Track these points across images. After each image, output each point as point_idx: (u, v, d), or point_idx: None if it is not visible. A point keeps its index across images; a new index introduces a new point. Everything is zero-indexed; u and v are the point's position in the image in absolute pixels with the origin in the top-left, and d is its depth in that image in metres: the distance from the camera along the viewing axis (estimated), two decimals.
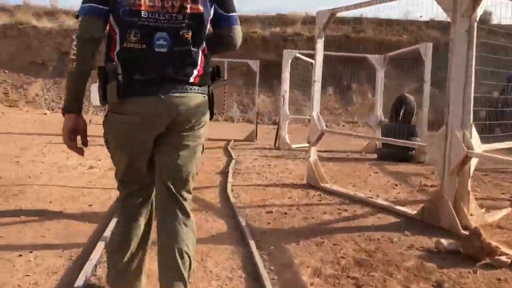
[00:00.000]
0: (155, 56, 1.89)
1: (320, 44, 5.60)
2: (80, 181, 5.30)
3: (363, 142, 12.43)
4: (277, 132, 10.30)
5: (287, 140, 9.84)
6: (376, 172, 6.69)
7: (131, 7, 1.86)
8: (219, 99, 21.36)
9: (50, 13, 25.38)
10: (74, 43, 1.87)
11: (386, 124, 8.69)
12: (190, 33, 1.94)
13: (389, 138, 7.23)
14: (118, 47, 1.90)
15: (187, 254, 2.01)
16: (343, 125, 20.75)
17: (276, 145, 10.10)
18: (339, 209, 4.44)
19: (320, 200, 4.81)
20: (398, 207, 4.42)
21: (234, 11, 2.07)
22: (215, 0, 2.01)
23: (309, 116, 11.45)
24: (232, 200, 4.56)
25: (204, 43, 2.01)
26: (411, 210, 4.28)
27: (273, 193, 5.05)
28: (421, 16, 24.85)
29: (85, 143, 2.03)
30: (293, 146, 9.99)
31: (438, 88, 22.52)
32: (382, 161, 8.23)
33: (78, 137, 2.00)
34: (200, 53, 1.99)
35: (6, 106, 19.25)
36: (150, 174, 2.07)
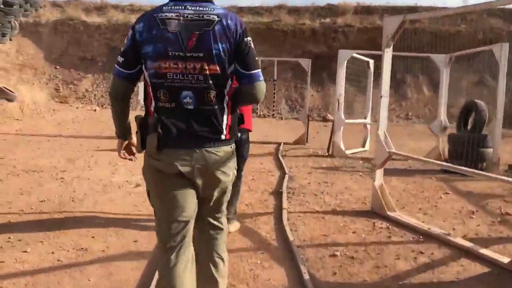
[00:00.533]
0: (184, 112, 2.10)
1: (388, 55, 4.97)
2: (125, 206, 4.95)
3: (421, 146, 11.63)
4: (330, 138, 9.70)
5: (342, 147, 9.23)
6: (447, 193, 6.00)
7: (157, 70, 2.08)
8: (269, 96, 20.87)
9: (99, 7, 25.58)
10: (110, 97, 2.25)
11: (453, 134, 7.90)
12: (214, 92, 2.10)
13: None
14: (153, 104, 2.13)
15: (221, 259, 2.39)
16: (397, 122, 19.78)
17: (330, 152, 9.52)
18: (413, 251, 3.86)
19: (390, 236, 4.24)
20: (484, 251, 3.79)
21: (255, 68, 2.17)
22: (236, 58, 2.14)
23: (365, 119, 10.83)
24: (290, 237, 4.06)
25: (227, 99, 2.18)
26: (501, 257, 3.65)
27: (335, 225, 4.52)
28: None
29: (133, 157, 2.45)
30: (348, 152, 9.38)
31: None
32: (449, 174, 7.53)
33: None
34: (226, 109, 2.17)
35: (57, 102, 19.52)
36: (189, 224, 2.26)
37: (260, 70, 2.20)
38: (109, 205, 4.93)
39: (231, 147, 2.25)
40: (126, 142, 2.38)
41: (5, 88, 17.38)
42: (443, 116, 9.17)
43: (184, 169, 2.12)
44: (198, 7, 2.13)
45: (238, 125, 2.31)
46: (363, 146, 10.80)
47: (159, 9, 2.15)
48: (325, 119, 19.50)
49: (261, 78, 2.20)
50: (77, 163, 7.12)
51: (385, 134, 5.08)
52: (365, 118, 10.92)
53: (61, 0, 26.02)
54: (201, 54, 2.07)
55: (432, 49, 23.32)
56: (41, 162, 7.06)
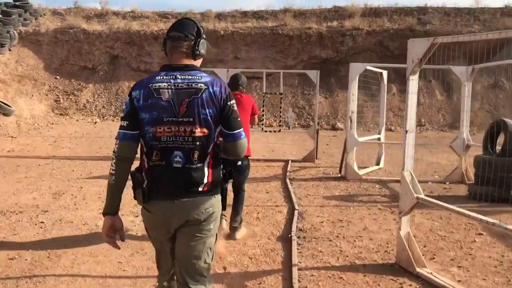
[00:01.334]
0: (172, 170, 2.33)
1: (413, 83, 4.23)
2: (108, 263, 4.24)
3: (440, 161, 10.82)
4: (342, 158, 8.95)
5: (355, 169, 8.47)
6: (480, 233, 5.23)
7: (153, 134, 2.33)
8: (275, 109, 20.14)
9: (100, 15, 24.99)
10: (114, 160, 2.34)
11: (480, 156, 7.12)
12: (198, 152, 2.35)
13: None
14: (146, 161, 2.38)
15: None
16: None
17: (342, 173, 8.78)
18: None
19: None
20: None
21: (237, 128, 2.43)
22: (221, 120, 2.39)
23: (379, 134, 10.06)
24: None
25: (209, 159, 2.39)
26: None
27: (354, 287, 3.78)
28: None
29: (122, 238, 2.44)
30: (361, 173, 8.63)
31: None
32: (475, 201, 6.77)
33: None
34: (206, 167, 2.38)
35: (57, 114, 18.91)
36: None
37: (241, 129, 2.45)
38: (89, 263, 4.22)
39: (214, 197, 2.43)
40: (112, 222, 2.39)
41: (2, 102, 16.81)
42: (465, 133, 8.38)
43: (166, 218, 2.37)
44: (187, 76, 2.36)
45: (226, 180, 2.54)
46: (378, 163, 10.05)
47: (153, 78, 2.37)
48: (334, 128, 18.73)
49: (242, 136, 2.45)
50: (62, 199, 6.42)
51: (412, 175, 4.34)
52: (379, 133, 10.15)
53: (61, 8, 25.47)
54: (191, 119, 2.31)
55: (444, 53, 22.49)
56: (23, 199, 6.38)
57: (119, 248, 2.50)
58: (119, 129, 2.35)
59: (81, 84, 21.61)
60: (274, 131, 10.97)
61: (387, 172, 9.41)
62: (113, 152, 2.35)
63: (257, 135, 14.59)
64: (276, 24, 22.93)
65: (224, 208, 2.55)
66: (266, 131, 10.94)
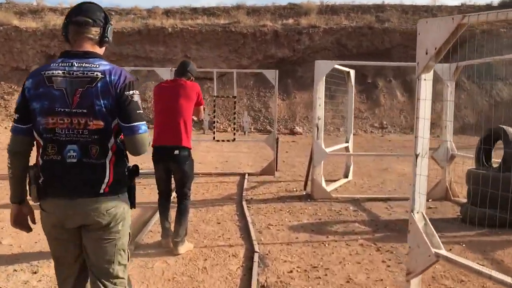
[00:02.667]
0: (67, 165, 2.17)
1: (427, 84, 2.93)
2: None
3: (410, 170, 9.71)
4: (308, 173, 7.62)
5: (324, 185, 7.15)
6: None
7: (45, 125, 2.17)
8: (229, 113, 18.65)
9: (34, 11, 22.73)
10: (8, 155, 2.24)
11: (475, 171, 5.94)
12: (96, 147, 2.17)
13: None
14: (41, 155, 2.21)
15: None
16: (371, 131, 17.98)
17: (307, 190, 7.46)
18: None
19: None
20: None
21: (136, 120, 2.21)
22: (118, 113, 2.19)
23: (347, 143, 8.81)
24: None
25: (111, 155, 2.21)
26: None
27: None
28: None
29: (32, 221, 2.39)
30: (329, 189, 7.33)
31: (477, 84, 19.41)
32: (470, 225, 5.60)
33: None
34: (108, 165, 2.20)
35: None
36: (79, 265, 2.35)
37: (142, 123, 2.22)
38: None
39: (118, 196, 2.26)
40: (19, 209, 2.33)
41: None
42: (449, 143, 7.22)
43: (62, 218, 2.21)
44: (84, 64, 2.20)
45: (133, 176, 2.33)
46: (346, 175, 8.80)
47: (48, 65, 2.23)
48: (292, 132, 17.48)
49: (142, 130, 2.22)
50: None
51: (425, 219, 3.04)
52: (346, 141, 8.89)
53: None
54: (85, 110, 2.15)
55: (403, 51, 21.70)
56: None
57: (31, 230, 2.41)
58: (13, 122, 2.25)
59: (12, 87, 19.41)
60: (228, 140, 9.51)
61: (357, 187, 8.16)
62: (7, 145, 2.26)
63: (208, 143, 13.09)
64: (228, 21, 21.50)
65: (133, 205, 2.36)
66: (218, 141, 9.46)
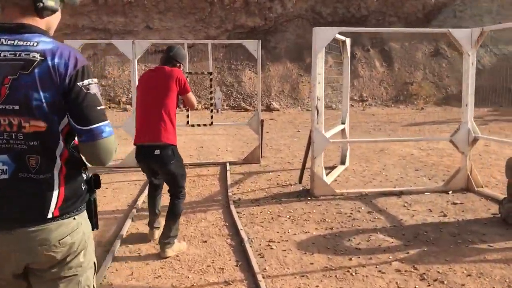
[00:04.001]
0: None
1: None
2: None
3: (426, 156, 8.65)
4: (304, 163, 6.41)
5: (325, 179, 5.95)
6: None
7: None
8: (201, 85, 17.14)
9: None
10: None
11: None
12: (37, 156, 1.60)
13: None
14: None
15: None
16: (351, 105, 16.89)
17: (302, 183, 6.28)
18: None
19: None
20: None
21: (96, 121, 1.63)
22: (68, 109, 1.61)
23: (343, 125, 7.62)
24: None
25: (61, 165, 1.64)
26: None
27: None
28: None
29: None
30: (328, 180, 6.17)
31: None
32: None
33: None
34: (57, 179, 1.63)
35: None
36: None
37: (105, 122, 1.64)
38: None
39: (74, 219, 1.67)
40: None
41: None
42: (470, 123, 6.11)
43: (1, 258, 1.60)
44: (17, 41, 1.59)
45: (93, 190, 1.77)
46: (343, 162, 7.64)
47: None
48: (269, 108, 16.17)
49: (106, 133, 1.64)
50: None
51: None
52: (342, 122, 7.69)
53: None
54: (17, 107, 1.57)
55: (381, 18, 20.53)
56: None
57: None
58: None
59: None
60: (205, 125, 8.15)
61: (358, 176, 7.02)
62: None
63: (180, 127, 11.70)
64: None
65: (95, 226, 1.79)
66: (193, 125, 8.10)
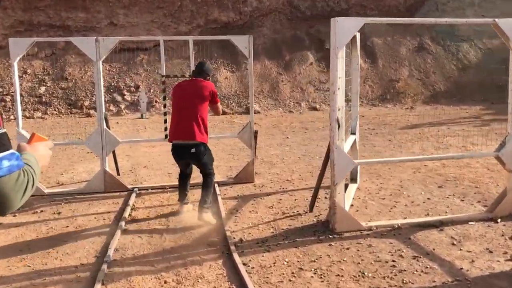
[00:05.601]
0: None
1: None
2: None
3: (462, 170, 7.52)
4: (317, 189, 5.16)
5: (346, 209, 4.72)
6: None
7: None
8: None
9: None
10: None
11: None
12: None
13: None
14: None
15: None
16: None
17: (314, 211, 5.04)
18: None
19: None
20: None
21: None
22: None
23: (354, 135, 6.38)
24: None
25: None
26: None
27: None
28: None
29: None
30: (365, 223, 4.95)
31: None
32: None
33: None
34: None
35: None
36: None
37: (6, 153, 1.32)
38: None
39: None
40: None
41: None
42: None
43: None
44: None
45: None
46: (353, 179, 6.44)
47: None
48: (249, 110, 14.86)
49: (7, 170, 1.30)
50: None
51: None
52: (352, 132, 6.46)
53: None
54: None
55: (361, 11, 19.51)
56: None
57: None
58: None
59: None
60: None
61: (377, 198, 5.83)
62: None
63: (157, 142, 10.28)
64: None
65: None
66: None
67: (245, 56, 6.51)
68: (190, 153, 4.82)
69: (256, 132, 6.64)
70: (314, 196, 5.21)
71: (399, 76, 16.95)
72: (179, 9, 17.58)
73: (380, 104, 15.70)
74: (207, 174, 5.05)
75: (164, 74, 6.51)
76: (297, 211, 5.30)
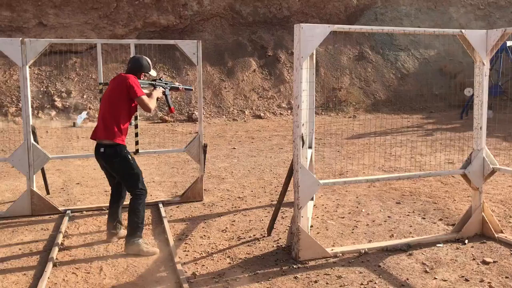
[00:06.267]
0: None
1: None
2: None
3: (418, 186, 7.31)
4: (276, 212, 4.70)
5: (308, 232, 4.30)
6: None
7: None
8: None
9: None
10: None
11: None
12: None
13: None
14: None
15: None
16: (280, 113, 15.49)
17: (272, 235, 4.58)
18: None
19: None
20: None
21: None
22: None
23: (310, 148, 6.00)
24: None
25: None
26: None
27: None
28: None
29: None
30: (330, 249, 4.53)
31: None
32: None
33: None
34: None
35: None
36: None
37: None
38: None
39: None
40: None
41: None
42: (485, 151, 4.80)
43: None
44: None
45: None
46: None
47: None
48: (191, 118, 14.22)
49: None
50: None
51: None
52: (309, 146, 6.07)
53: None
54: None
55: (303, 19, 19.44)
56: None
57: None
58: None
59: None
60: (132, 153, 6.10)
61: (335, 217, 5.47)
62: None
63: (85, 144, 9.44)
64: None
65: None
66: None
67: (186, 61, 5.99)
68: (102, 156, 4.34)
69: (205, 146, 6.09)
70: (273, 220, 4.74)
71: (341, 84, 16.99)
72: (115, 11, 16.65)
73: (323, 113, 15.60)
74: (132, 194, 4.34)
75: (102, 82, 5.80)
76: (254, 235, 4.82)
